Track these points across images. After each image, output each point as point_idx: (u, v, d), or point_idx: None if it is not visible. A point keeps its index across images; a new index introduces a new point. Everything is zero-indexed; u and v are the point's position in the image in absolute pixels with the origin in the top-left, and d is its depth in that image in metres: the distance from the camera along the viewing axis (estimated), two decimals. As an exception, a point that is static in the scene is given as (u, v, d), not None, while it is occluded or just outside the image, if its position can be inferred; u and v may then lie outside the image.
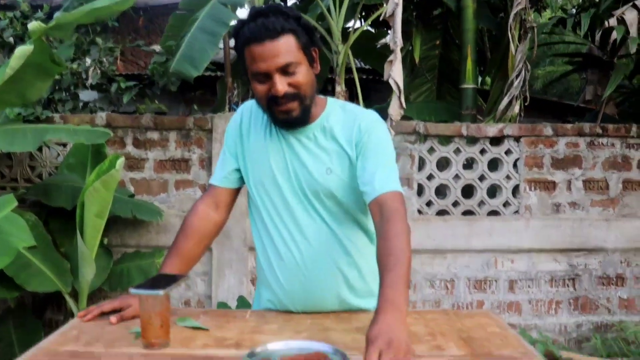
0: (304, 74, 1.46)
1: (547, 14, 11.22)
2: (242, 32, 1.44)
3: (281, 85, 1.42)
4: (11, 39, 4.12)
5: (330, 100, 1.62)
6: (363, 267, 1.62)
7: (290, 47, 1.42)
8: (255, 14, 1.44)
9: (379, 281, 1.31)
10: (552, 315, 3.96)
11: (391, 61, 3.67)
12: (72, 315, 3.27)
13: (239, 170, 1.66)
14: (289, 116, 1.48)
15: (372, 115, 1.60)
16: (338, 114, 1.58)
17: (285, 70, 1.42)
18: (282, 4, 6.03)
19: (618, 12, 4.33)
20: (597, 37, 4.56)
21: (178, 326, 1.45)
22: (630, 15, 4.28)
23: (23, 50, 2.73)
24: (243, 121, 1.65)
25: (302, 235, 1.56)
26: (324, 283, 1.57)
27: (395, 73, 3.67)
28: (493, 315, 1.60)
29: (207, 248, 1.72)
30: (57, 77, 4.01)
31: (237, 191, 1.70)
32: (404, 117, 3.95)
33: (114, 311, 1.51)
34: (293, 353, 1.22)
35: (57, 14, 2.92)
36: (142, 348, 1.29)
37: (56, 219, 3.47)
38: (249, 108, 1.67)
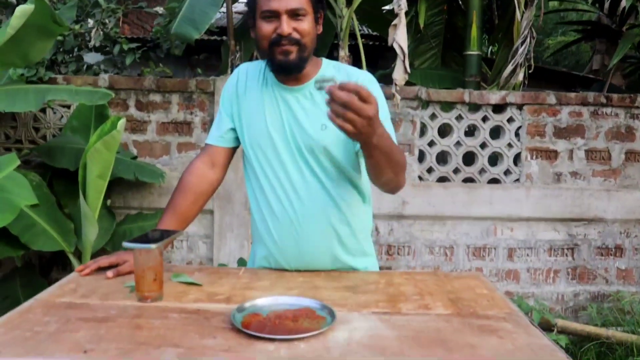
0: (309, 24, 1.53)
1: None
2: None
3: (287, 26, 1.49)
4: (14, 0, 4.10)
5: (324, 60, 1.66)
6: (355, 225, 1.65)
7: None
8: None
9: None
10: (550, 284, 4.00)
11: (395, 25, 3.64)
12: (76, 274, 3.34)
13: (234, 129, 1.69)
14: (286, 58, 1.52)
15: (366, 74, 1.65)
16: (332, 72, 1.63)
17: (293, 15, 1.50)
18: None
19: (629, -21, 4.25)
20: (606, 5, 4.48)
21: (172, 282, 1.48)
22: (641, -17, 4.21)
23: (23, 10, 2.72)
24: (239, 81, 1.69)
25: (296, 193, 1.59)
26: (316, 240, 1.60)
27: (399, 37, 3.64)
28: (482, 278, 1.63)
29: (203, 206, 1.75)
30: (59, 38, 4.01)
31: (233, 150, 1.73)
32: (407, 83, 3.93)
33: (111, 266, 1.56)
34: (281, 308, 1.26)
35: (58, -26, 2.89)
36: (136, 301, 1.33)
37: (60, 180, 3.51)
38: (245, 69, 1.71)
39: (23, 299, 3.29)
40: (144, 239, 1.38)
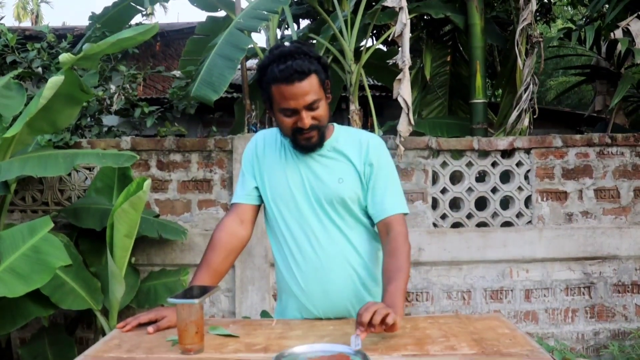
0: (323, 108, 1.69)
1: (559, 23, 11.32)
2: (271, 71, 1.64)
3: (307, 119, 1.65)
4: (40, 69, 4.32)
5: (336, 126, 1.84)
6: (374, 270, 1.78)
7: (314, 86, 1.65)
8: (281, 55, 1.63)
9: (382, 288, 1.61)
10: (569, 324, 4.02)
11: (400, 80, 3.80)
12: (102, 332, 3.41)
13: (257, 188, 1.83)
14: (309, 142, 1.71)
15: (375, 137, 1.83)
16: (344, 136, 1.81)
17: (310, 107, 1.65)
18: (296, 26, 6.23)
19: (623, 24, 4.43)
20: (603, 48, 4.64)
21: (210, 334, 1.57)
22: (635, 26, 4.37)
23: (55, 81, 2.89)
24: (258, 146, 1.86)
25: (317, 241, 1.73)
26: (340, 283, 1.73)
27: (404, 91, 3.79)
28: (503, 318, 1.71)
29: (234, 261, 1.86)
30: (84, 104, 4.20)
31: (258, 207, 1.87)
32: (417, 133, 4.07)
33: (150, 322, 1.64)
34: (318, 355, 1.34)
35: (85, 46, 3.07)
36: (179, 353, 1.41)
37: (86, 239, 3.63)
38: (262, 136, 1.88)
39: (52, 357, 3.38)
40: (186, 294, 1.48)
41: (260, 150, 1.84)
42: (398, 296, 1.52)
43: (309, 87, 1.63)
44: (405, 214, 1.76)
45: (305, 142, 1.70)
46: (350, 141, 1.78)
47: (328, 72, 1.74)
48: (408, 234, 1.72)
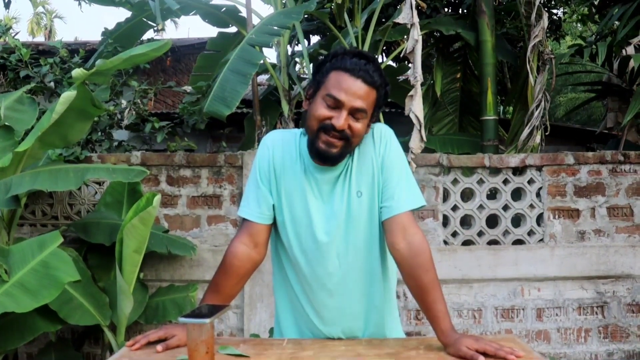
0: (363, 126, 1.57)
1: (568, 40, 11.33)
2: (342, 59, 1.55)
3: (344, 122, 1.52)
4: (52, 84, 4.35)
5: None
6: (383, 286, 1.73)
7: (370, 99, 1.55)
8: (360, 54, 1.57)
9: (427, 302, 1.57)
10: (582, 344, 3.95)
11: (412, 96, 3.79)
12: (110, 347, 3.39)
13: (274, 205, 1.70)
14: (328, 149, 1.56)
15: (383, 126, 1.70)
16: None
17: (354, 113, 1.53)
18: (306, 42, 6.25)
19: (635, 40, 4.42)
20: (615, 65, 4.63)
21: (220, 354, 1.54)
22: (647, 44, 4.37)
23: (68, 96, 2.90)
24: (275, 156, 1.69)
25: (333, 266, 1.66)
26: (355, 305, 1.69)
27: (415, 107, 3.78)
28: (518, 340, 1.67)
29: (244, 284, 1.80)
30: (95, 118, 4.22)
31: (272, 226, 1.74)
32: (428, 150, 4.05)
33: (159, 340, 1.61)
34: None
35: (97, 61, 3.09)
36: (189, 373, 1.39)
37: (95, 254, 3.62)
38: (280, 143, 1.70)
39: (59, 374, 3.37)
40: (196, 313, 1.45)
41: (278, 161, 1.67)
42: (448, 316, 1.56)
43: (366, 95, 1.54)
44: (422, 206, 1.66)
45: (325, 146, 1.55)
46: (365, 143, 1.65)
47: (384, 103, 1.63)
48: (422, 233, 1.62)
